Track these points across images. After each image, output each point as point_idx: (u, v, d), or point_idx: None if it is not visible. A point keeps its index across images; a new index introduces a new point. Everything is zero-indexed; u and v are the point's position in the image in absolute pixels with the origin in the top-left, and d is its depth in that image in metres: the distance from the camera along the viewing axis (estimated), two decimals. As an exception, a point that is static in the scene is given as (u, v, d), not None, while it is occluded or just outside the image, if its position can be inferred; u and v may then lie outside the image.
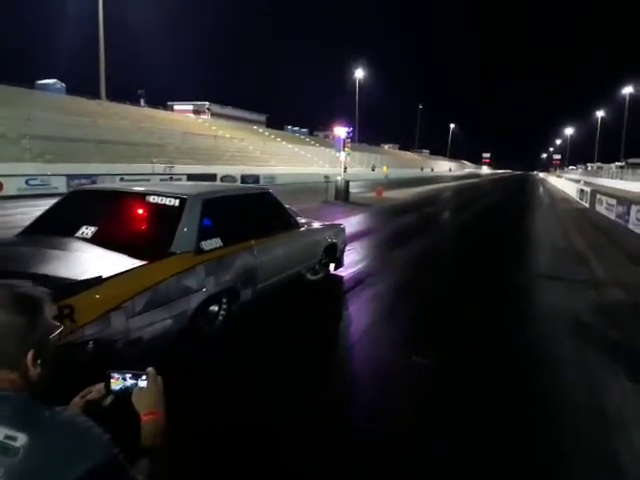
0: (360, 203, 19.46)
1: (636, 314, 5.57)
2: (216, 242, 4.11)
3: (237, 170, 32.98)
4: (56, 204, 4.54)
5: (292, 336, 4.55)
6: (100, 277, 2.99)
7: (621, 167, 55.47)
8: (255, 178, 33.89)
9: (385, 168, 47.75)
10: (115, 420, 1.19)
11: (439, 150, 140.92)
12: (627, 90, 65.20)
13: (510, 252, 9.90)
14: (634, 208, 13.66)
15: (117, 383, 1.25)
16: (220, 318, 4.25)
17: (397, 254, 9.06)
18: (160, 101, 54.14)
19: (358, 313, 5.45)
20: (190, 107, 56.06)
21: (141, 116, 37.07)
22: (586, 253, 9.65)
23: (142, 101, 47.70)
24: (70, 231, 3.90)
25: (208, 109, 59.07)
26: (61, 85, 39.36)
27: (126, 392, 1.23)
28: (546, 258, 9.39)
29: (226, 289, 4.19)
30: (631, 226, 13.48)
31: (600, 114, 79.90)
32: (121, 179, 20.25)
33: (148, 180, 20.85)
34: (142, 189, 4.44)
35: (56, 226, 4.13)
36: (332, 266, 6.69)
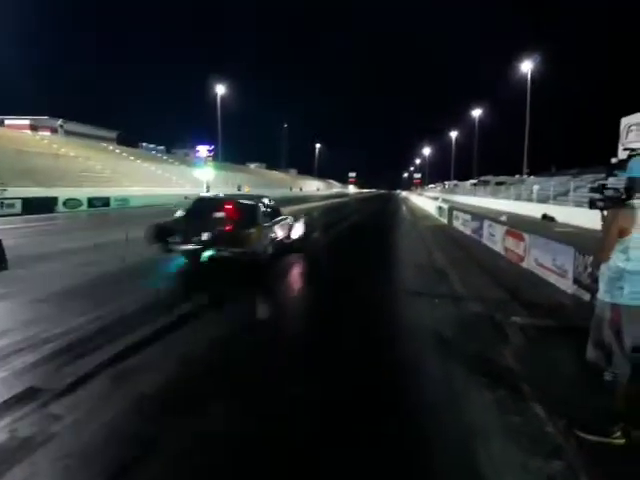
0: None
1: (492, 326, 5.75)
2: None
3: (84, 192, 29.27)
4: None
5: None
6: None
7: (474, 184, 58.33)
8: (104, 201, 30.46)
9: (247, 188, 46.21)
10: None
11: (306, 169, 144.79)
12: (476, 112, 68.21)
13: (375, 269, 10.06)
14: (486, 223, 14.21)
15: None
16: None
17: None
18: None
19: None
20: (26, 122, 49.19)
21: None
22: (445, 269, 9.89)
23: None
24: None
25: (61, 126, 53.36)
26: None
27: None
28: (409, 274, 9.75)
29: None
30: (485, 241, 13.91)
31: (454, 135, 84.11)
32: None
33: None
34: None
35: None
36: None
